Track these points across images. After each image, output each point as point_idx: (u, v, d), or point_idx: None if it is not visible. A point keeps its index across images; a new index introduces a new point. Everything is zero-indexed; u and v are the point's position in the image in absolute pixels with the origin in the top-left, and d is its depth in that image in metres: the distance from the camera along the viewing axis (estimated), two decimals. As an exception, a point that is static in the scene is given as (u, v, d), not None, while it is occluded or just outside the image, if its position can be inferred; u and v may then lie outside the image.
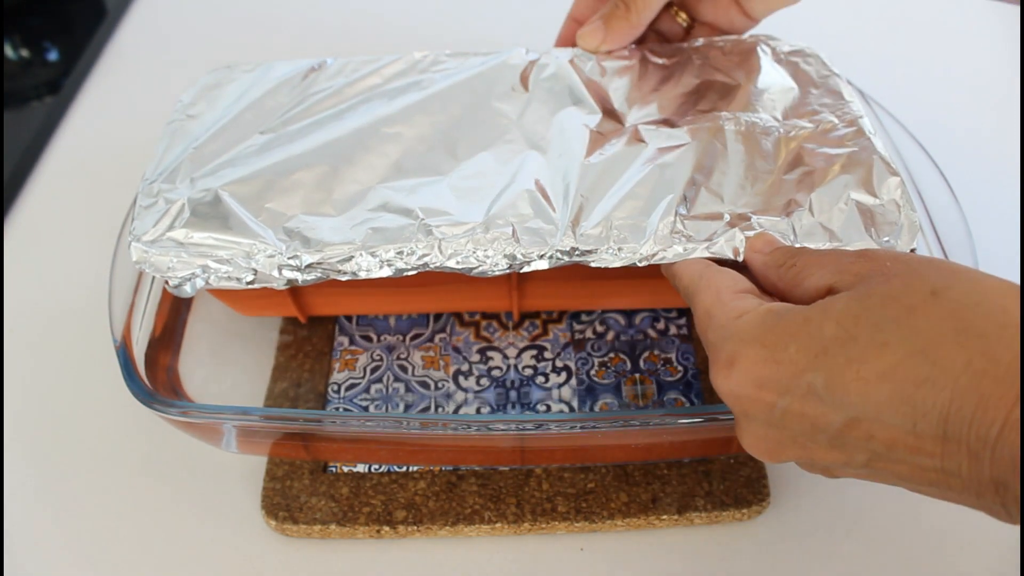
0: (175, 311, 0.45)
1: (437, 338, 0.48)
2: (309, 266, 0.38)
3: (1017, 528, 0.29)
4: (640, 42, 0.49)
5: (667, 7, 0.48)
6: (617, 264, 0.37)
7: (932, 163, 0.44)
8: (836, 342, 0.26)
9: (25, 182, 0.60)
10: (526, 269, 0.38)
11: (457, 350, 0.47)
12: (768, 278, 0.34)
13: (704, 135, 0.41)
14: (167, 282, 0.38)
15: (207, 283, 0.38)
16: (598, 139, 0.42)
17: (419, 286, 0.42)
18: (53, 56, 0.73)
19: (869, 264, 0.29)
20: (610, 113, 0.43)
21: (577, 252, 0.37)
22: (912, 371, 0.25)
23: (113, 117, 0.65)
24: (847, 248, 0.35)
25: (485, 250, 0.37)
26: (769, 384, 0.27)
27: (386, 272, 0.38)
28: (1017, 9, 0.66)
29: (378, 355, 0.47)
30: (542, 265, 0.37)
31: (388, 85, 0.46)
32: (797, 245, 0.36)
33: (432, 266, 0.38)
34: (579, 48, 0.48)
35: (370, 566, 0.41)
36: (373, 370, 0.47)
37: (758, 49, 0.47)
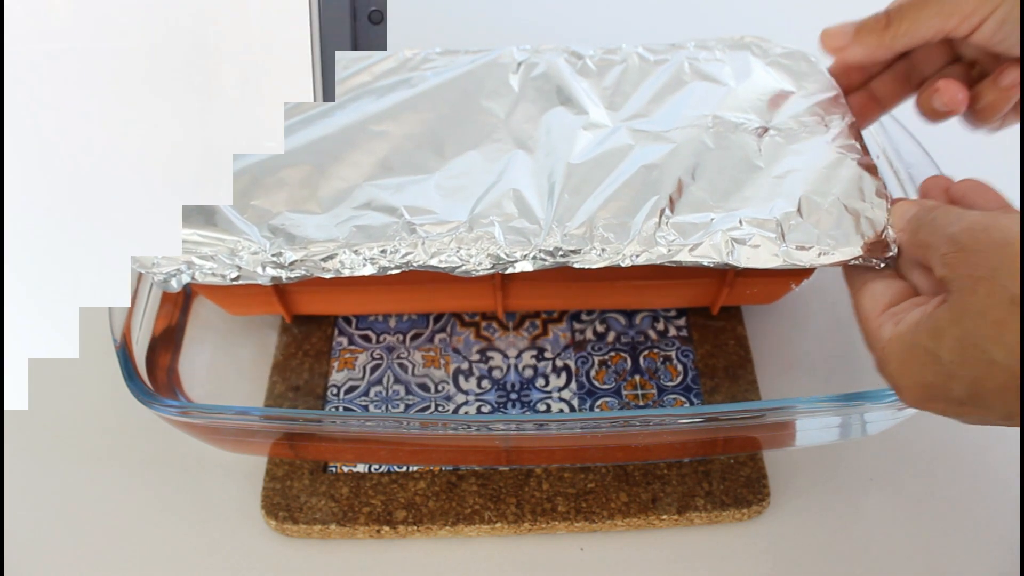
0: (175, 311, 0.45)
1: (437, 339, 0.48)
2: (293, 263, 0.38)
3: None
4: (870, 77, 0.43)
5: (954, 61, 0.40)
6: (600, 265, 0.37)
7: (931, 162, 0.44)
8: (956, 365, 0.29)
9: (26, 183, 0.60)
10: (510, 271, 0.37)
11: (457, 351, 0.47)
12: (913, 256, 0.35)
13: (692, 136, 0.41)
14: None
15: (193, 279, 0.38)
16: (585, 139, 0.41)
17: (404, 285, 0.42)
18: (54, 57, 0.73)
19: (961, 260, 0.30)
20: (598, 113, 0.43)
21: (560, 252, 0.37)
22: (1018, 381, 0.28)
23: (114, 118, 0.65)
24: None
25: (468, 249, 0.37)
26: (932, 400, 0.31)
27: (369, 270, 0.37)
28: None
29: (378, 355, 0.47)
30: (526, 267, 0.37)
31: (378, 83, 0.46)
32: (926, 205, 0.35)
33: (415, 265, 0.37)
34: (820, 43, 0.41)
35: (370, 566, 0.41)
36: (373, 369, 0.47)
37: (748, 51, 0.46)
